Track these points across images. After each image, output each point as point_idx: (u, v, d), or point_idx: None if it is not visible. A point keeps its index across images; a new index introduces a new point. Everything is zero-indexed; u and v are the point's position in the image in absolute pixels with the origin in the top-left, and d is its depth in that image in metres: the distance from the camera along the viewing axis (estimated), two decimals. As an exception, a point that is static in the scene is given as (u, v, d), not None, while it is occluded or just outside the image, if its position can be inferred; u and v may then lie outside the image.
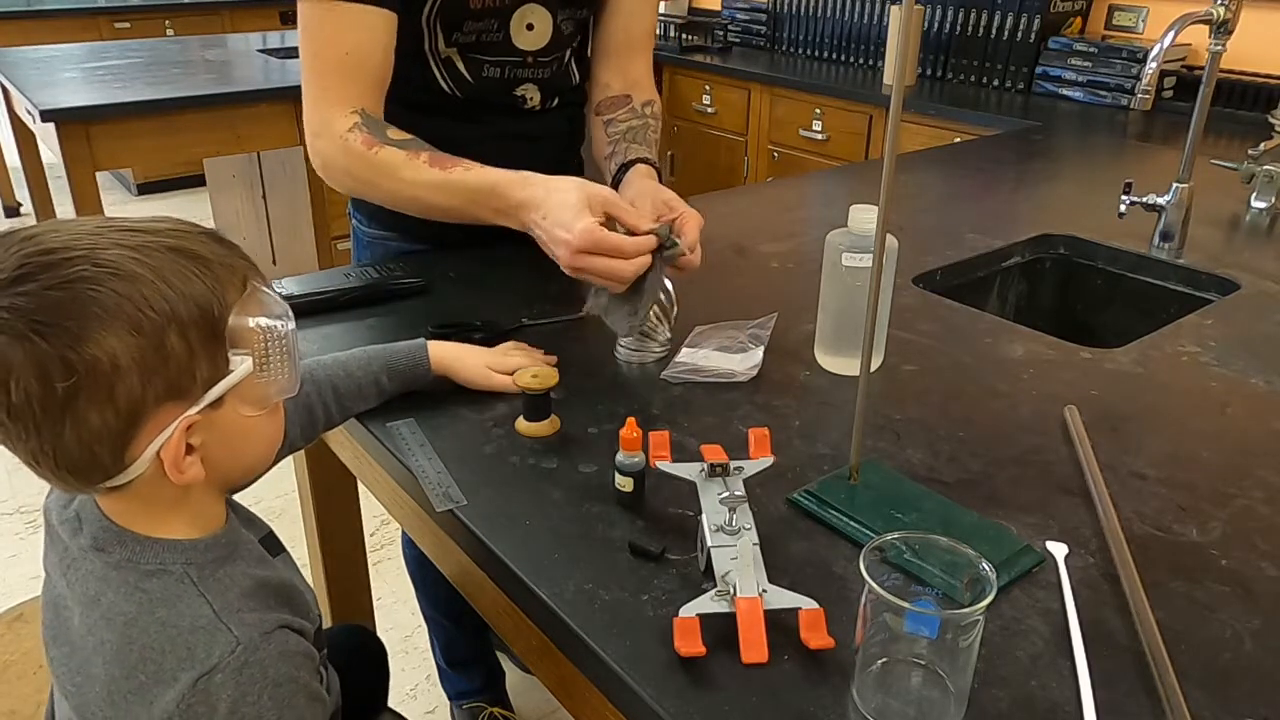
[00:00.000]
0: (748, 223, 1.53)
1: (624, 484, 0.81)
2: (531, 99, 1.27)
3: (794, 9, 3.33)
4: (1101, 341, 1.14)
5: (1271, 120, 1.77)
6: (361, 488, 1.19)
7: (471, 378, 0.97)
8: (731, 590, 0.67)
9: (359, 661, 1.15)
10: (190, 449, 0.66)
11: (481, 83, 1.23)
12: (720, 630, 0.66)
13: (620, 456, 0.80)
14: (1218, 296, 1.32)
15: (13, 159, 3.71)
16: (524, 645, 0.80)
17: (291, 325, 0.70)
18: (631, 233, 0.99)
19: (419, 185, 1.08)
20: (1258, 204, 1.62)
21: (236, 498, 0.83)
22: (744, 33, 3.55)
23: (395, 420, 0.93)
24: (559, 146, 1.38)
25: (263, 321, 0.68)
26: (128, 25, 4.46)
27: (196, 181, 4.38)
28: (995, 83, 2.83)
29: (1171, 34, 1.31)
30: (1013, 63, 2.78)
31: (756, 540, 0.71)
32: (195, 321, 0.64)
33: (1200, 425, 0.96)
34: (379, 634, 1.26)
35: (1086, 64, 2.62)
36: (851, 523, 0.78)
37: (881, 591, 0.58)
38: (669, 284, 1.05)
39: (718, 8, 3.70)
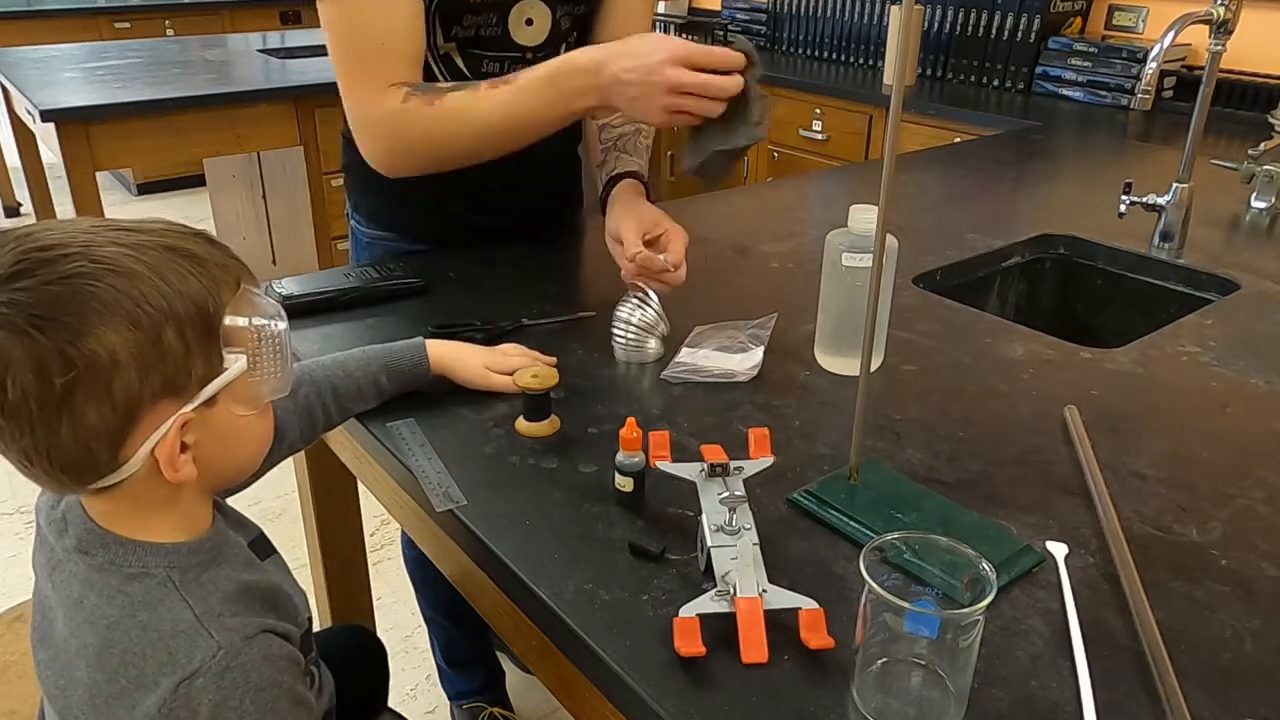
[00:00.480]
0: (748, 223, 1.53)
1: (624, 484, 0.81)
2: None
3: (794, 9, 3.33)
4: (1101, 341, 1.14)
5: (1271, 120, 1.77)
6: (361, 488, 1.19)
7: (470, 378, 0.97)
8: (731, 590, 0.67)
9: (358, 661, 1.15)
10: (184, 447, 0.66)
11: (480, 79, 1.23)
12: (720, 630, 0.66)
13: (620, 456, 0.80)
14: (1218, 296, 1.32)
15: (13, 159, 3.71)
16: (524, 645, 0.80)
17: (284, 325, 0.71)
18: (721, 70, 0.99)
19: (494, 110, 1.07)
20: (1258, 204, 1.62)
21: (234, 499, 0.83)
22: (744, 33, 3.54)
23: (395, 420, 0.93)
24: (559, 142, 1.38)
25: (256, 321, 0.69)
26: (128, 25, 4.46)
27: (196, 181, 4.38)
28: (995, 83, 2.83)
29: (1171, 34, 1.31)
30: (1013, 63, 2.78)
31: (756, 540, 0.71)
32: (192, 319, 0.64)
33: (1200, 425, 0.96)
34: (379, 634, 1.26)
35: (1086, 64, 2.62)
36: (851, 523, 0.78)
37: (881, 591, 0.58)
38: (655, 296, 1.06)
39: (718, 8, 3.70)
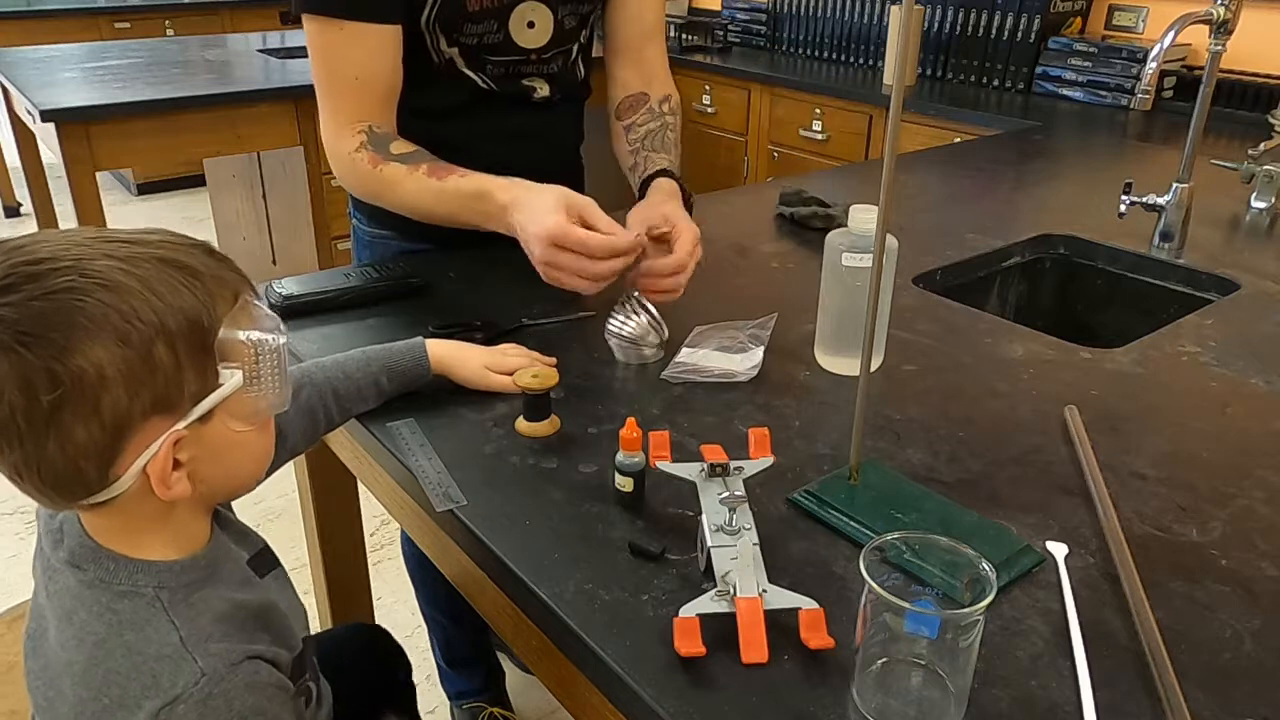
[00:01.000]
0: (748, 223, 1.53)
1: (624, 484, 0.81)
2: (541, 90, 1.27)
3: (794, 9, 3.33)
4: (1101, 341, 1.14)
5: (1271, 120, 1.77)
6: (361, 488, 1.19)
7: (469, 377, 0.97)
8: (731, 590, 0.67)
9: (371, 661, 1.15)
10: (178, 464, 0.65)
11: (486, 83, 1.23)
12: (720, 630, 0.66)
13: (620, 456, 0.80)
14: (1218, 296, 1.32)
15: (13, 159, 3.71)
16: (524, 645, 0.80)
17: (283, 340, 0.69)
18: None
19: (420, 195, 1.12)
20: (1258, 204, 1.62)
21: (237, 504, 0.82)
22: (744, 33, 3.54)
23: (395, 420, 0.93)
24: (563, 144, 1.38)
25: (253, 335, 0.67)
26: (128, 25, 4.46)
27: (196, 181, 4.38)
28: (995, 83, 2.83)
29: (1171, 34, 1.31)
30: (1013, 63, 2.78)
31: (756, 540, 0.71)
32: (184, 333, 0.63)
33: (1200, 425, 0.96)
34: (379, 634, 1.26)
35: (1086, 64, 2.62)
36: (851, 523, 0.78)
37: (881, 591, 0.58)
38: (646, 302, 1.04)
39: (718, 8, 3.70)
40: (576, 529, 0.79)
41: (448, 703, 1.74)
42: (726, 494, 0.75)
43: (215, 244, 0.71)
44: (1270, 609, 0.71)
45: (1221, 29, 1.31)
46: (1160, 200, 1.42)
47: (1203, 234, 1.47)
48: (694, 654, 0.64)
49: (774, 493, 0.83)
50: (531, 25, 1.22)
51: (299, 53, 3.17)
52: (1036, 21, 2.69)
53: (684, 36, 3.44)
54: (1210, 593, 0.73)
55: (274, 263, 3.26)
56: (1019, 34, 2.74)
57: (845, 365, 1.04)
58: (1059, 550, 0.76)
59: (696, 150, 3.35)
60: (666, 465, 0.79)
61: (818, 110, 2.90)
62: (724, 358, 1.04)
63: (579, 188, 1.47)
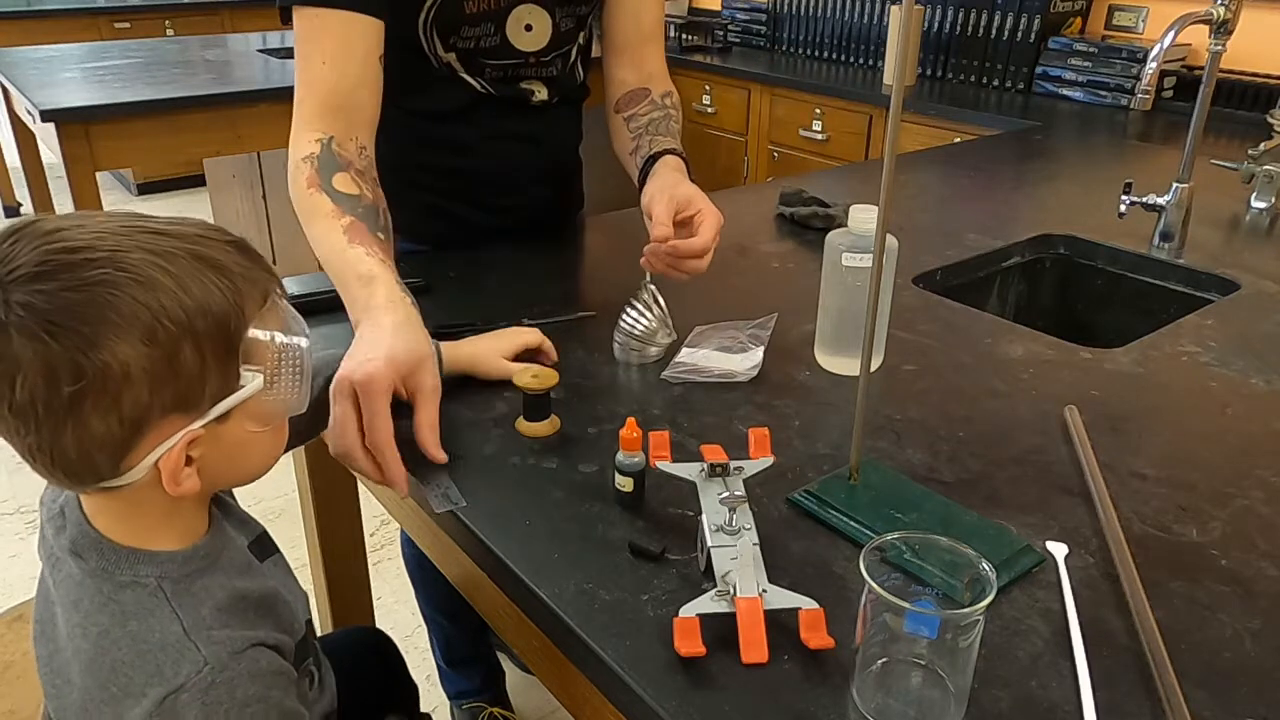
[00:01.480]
0: (748, 223, 1.53)
1: (624, 484, 0.81)
2: (539, 93, 1.27)
3: (794, 9, 3.33)
4: (1101, 341, 1.14)
5: (1271, 120, 1.77)
6: (361, 488, 1.19)
7: (489, 372, 0.98)
8: (731, 590, 0.67)
9: (369, 663, 1.15)
10: (189, 460, 0.65)
11: (486, 87, 1.23)
12: (720, 630, 0.66)
13: (620, 456, 0.80)
14: (1218, 296, 1.32)
15: (13, 159, 3.71)
16: (524, 645, 0.80)
17: (306, 343, 0.70)
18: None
19: (323, 241, 1.00)
20: (1258, 204, 1.62)
21: (236, 492, 0.82)
22: (744, 33, 3.54)
23: (395, 421, 0.93)
24: (562, 145, 1.38)
25: (278, 338, 0.67)
26: (128, 25, 4.46)
27: (196, 181, 4.38)
28: (995, 83, 2.83)
29: (1171, 34, 1.31)
30: (1013, 63, 2.78)
31: (756, 540, 0.71)
32: (211, 335, 0.63)
33: (1200, 425, 0.96)
34: (379, 634, 1.26)
35: (1086, 64, 2.62)
36: (851, 523, 0.78)
37: (881, 591, 0.58)
38: (660, 296, 1.04)
39: (718, 8, 3.70)
40: (576, 529, 0.79)
41: (448, 703, 1.74)
42: (726, 494, 0.75)
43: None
44: (1270, 609, 0.71)
45: (1221, 29, 1.31)
46: (1160, 200, 1.42)
47: (1203, 234, 1.47)
48: (694, 654, 0.64)
49: (774, 493, 0.83)
50: (529, 28, 1.21)
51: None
52: (1036, 21, 2.69)
53: (684, 36, 3.44)
54: (1210, 593, 0.73)
55: (274, 263, 3.25)
56: (1019, 34, 2.74)
57: (845, 365, 1.03)
58: (1059, 550, 0.76)
59: (696, 150, 3.35)
60: (666, 465, 0.79)
61: (818, 110, 2.90)
62: (724, 358, 1.04)
63: (575, 186, 1.48)
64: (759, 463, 0.80)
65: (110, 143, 2.41)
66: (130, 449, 0.63)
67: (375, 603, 1.49)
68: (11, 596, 2.01)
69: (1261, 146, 1.65)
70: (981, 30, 2.82)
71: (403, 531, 1.46)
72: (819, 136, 2.91)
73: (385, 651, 1.19)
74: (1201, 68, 1.39)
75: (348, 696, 0.92)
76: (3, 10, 4.21)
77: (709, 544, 0.71)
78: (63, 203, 3.13)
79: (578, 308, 1.16)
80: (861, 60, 3.17)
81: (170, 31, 4.53)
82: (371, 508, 1.32)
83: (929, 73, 2.98)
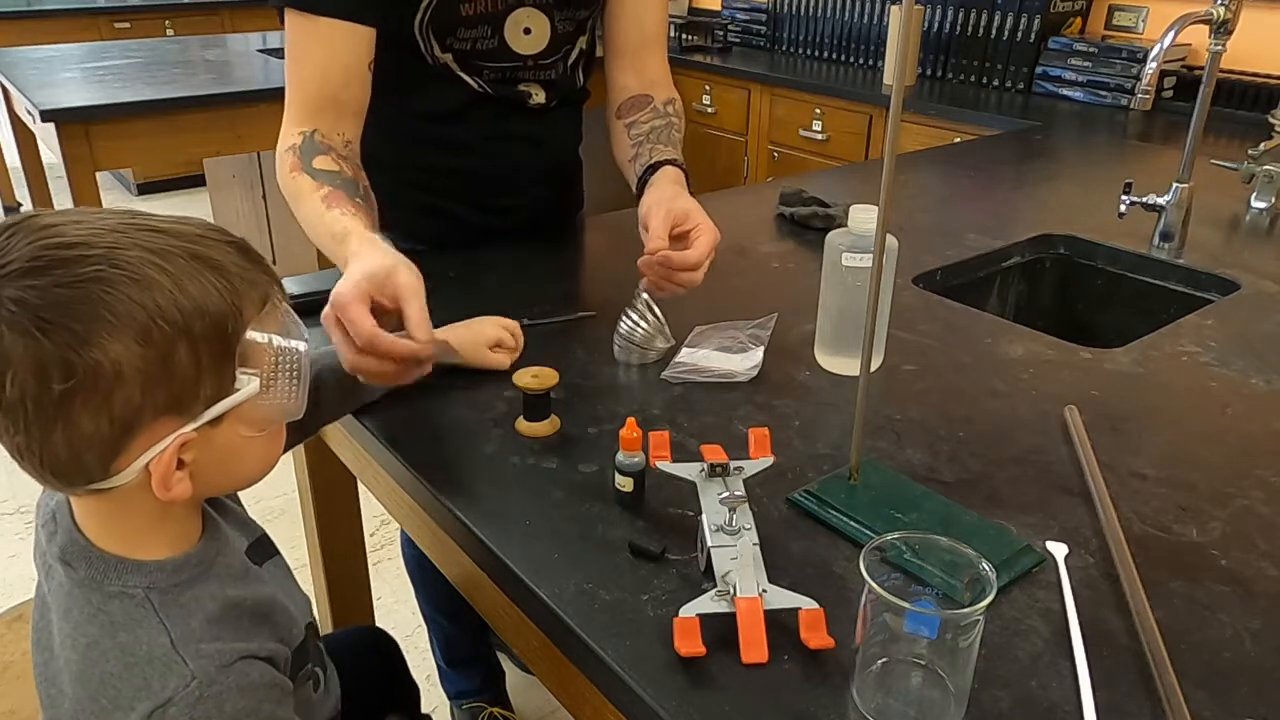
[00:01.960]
0: (748, 223, 1.53)
1: (624, 484, 0.81)
2: (536, 96, 1.27)
3: (794, 9, 3.33)
4: (1101, 341, 1.14)
5: (1271, 120, 1.77)
6: (361, 488, 1.19)
7: (471, 361, 0.98)
8: (731, 590, 0.67)
9: (372, 664, 1.15)
10: (181, 464, 0.64)
11: (484, 87, 1.23)
12: (720, 630, 0.66)
13: (620, 456, 0.80)
14: (1218, 296, 1.32)
15: (13, 159, 3.71)
16: (524, 645, 0.80)
17: (304, 346, 0.68)
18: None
19: (309, 215, 1.05)
20: (1258, 204, 1.62)
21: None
22: (744, 33, 3.54)
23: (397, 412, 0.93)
24: (561, 147, 1.38)
25: (276, 341, 0.66)
26: (128, 25, 4.46)
27: (196, 181, 4.38)
28: (995, 83, 2.83)
29: (1171, 34, 1.31)
30: (1013, 63, 2.78)
31: (756, 540, 0.71)
32: (207, 337, 0.62)
33: (1200, 425, 0.96)
34: (379, 634, 1.26)
35: (1086, 64, 2.62)
36: (851, 523, 0.78)
37: (881, 591, 0.58)
38: (654, 305, 1.03)
39: (718, 8, 3.70)
40: (576, 529, 0.79)
41: (448, 703, 1.74)
42: (726, 494, 0.75)
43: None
44: (1270, 609, 0.71)
45: (1221, 29, 1.31)
46: (1160, 200, 1.42)
47: (1203, 234, 1.47)
48: (694, 654, 0.64)
49: (774, 493, 0.83)
50: (528, 31, 1.21)
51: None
52: (1036, 21, 2.69)
53: (684, 36, 3.44)
54: (1210, 593, 0.73)
55: (274, 263, 3.26)
56: (1019, 34, 2.74)
57: (845, 365, 1.03)
58: (1059, 550, 0.76)
59: (696, 150, 3.35)
60: (666, 465, 0.79)
61: (818, 110, 2.90)
62: (724, 358, 1.04)
63: (575, 186, 1.47)
64: (759, 463, 0.80)
65: (110, 143, 2.41)
66: (121, 450, 0.62)
67: (375, 603, 1.49)
68: (11, 596, 2.01)
69: (1261, 146, 1.65)
70: (981, 30, 2.82)
71: (403, 531, 1.46)
72: (819, 136, 2.91)
73: (387, 651, 1.19)
74: (1201, 68, 1.39)
75: (349, 696, 0.91)
76: (3, 10, 4.22)
77: (709, 544, 0.71)
78: (63, 203, 3.13)
79: (577, 308, 1.16)
80: (861, 60, 3.17)
81: (170, 31, 4.53)
82: (371, 508, 1.32)
83: (929, 73, 2.98)
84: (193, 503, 0.71)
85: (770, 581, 0.68)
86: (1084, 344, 1.12)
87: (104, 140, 2.39)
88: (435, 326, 1.03)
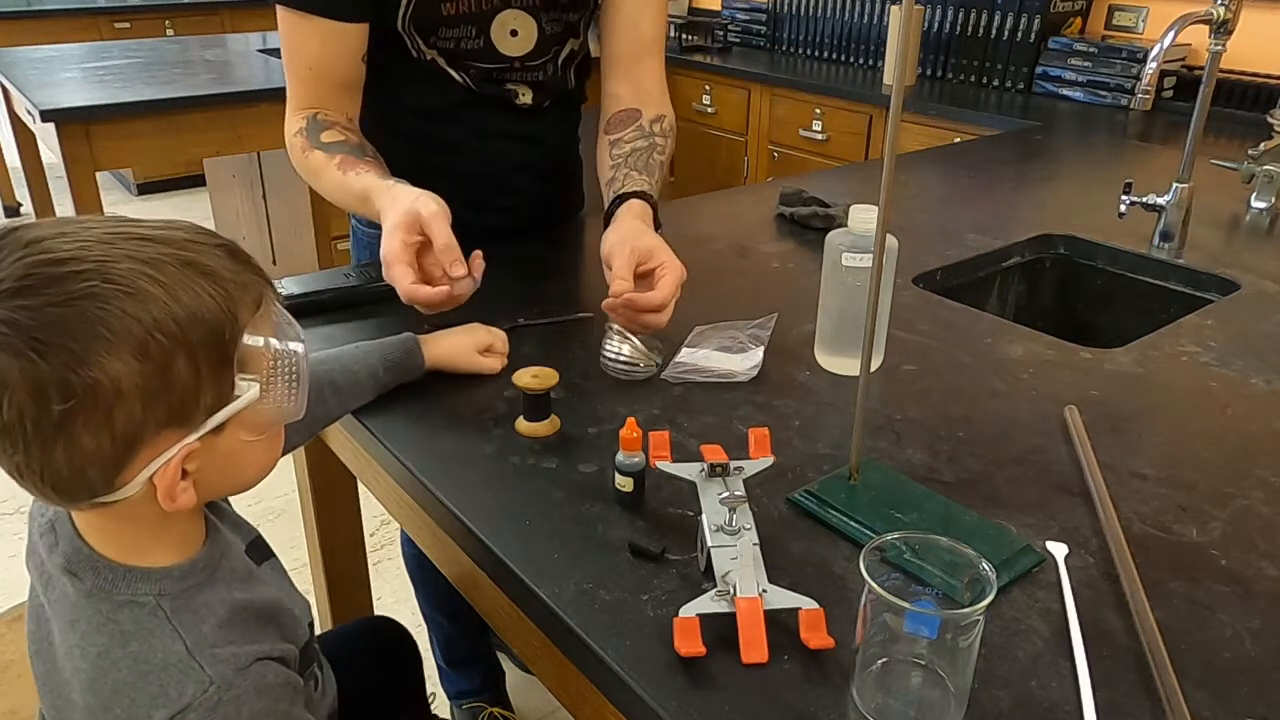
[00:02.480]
0: (748, 223, 1.53)
1: (624, 484, 0.81)
2: (523, 96, 1.26)
3: (794, 9, 3.33)
4: (1101, 341, 1.14)
5: (1271, 120, 1.77)
6: (361, 488, 1.19)
7: (464, 367, 0.99)
8: (731, 590, 0.67)
9: (384, 655, 1.15)
10: (184, 474, 0.64)
11: (477, 85, 1.23)
12: (720, 630, 0.66)
13: (620, 456, 0.80)
14: (1218, 296, 1.32)
15: (13, 159, 3.71)
16: (524, 645, 0.80)
17: (301, 347, 0.68)
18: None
19: (332, 187, 1.13)
20: (1258, 204, 1.62)
21: (233, 499, 0.81)
22: (744, 33, 3.54)
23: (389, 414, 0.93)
24: (556, 146, 1.37)
25: (273, 344, 0.66)
26: (128, 25, 4.46)
27: (196, 181, 4.38)
28: (995, 83, 2.83)
29: (1171, 34, 1.31)
30: (1013, 63, 2.78)
31: (756, 540, 0.71)
32: (205, 345, 0.61)
33: (1200, 425, 0.96)
34: (380, 633, 1.26)
35: (1086, 64, 2.62)
36: (851, 523, 0.78)
37: (881, 591, 0.58)
38: (629, 334, 1.01)
39: (718, 8, 3.70)
40: (576, 529, 0.79)
41: (448, 703, 1.74)
42: (726, 494, 0.75)
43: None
44: (1270, 609, 0.71)
45: (1221, 29, 1.31)
46: (1160, 200, 1.42)
47: (1203, 234, 1.47)
48: (694, 654, 0.64)
49: (774, 493, 0.83)
50: (515, 33, 1.20)
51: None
52: (1036, 21, 2.69)
53: (684, 36, 3.44)
54: (1210, 593, 0.73)
55: (274, 263, 3.26)
56: (1019, 34, 2.74)
57: (845, 365, 1.03)
58: (1059, 550, 0.76)
59: (696, 150, 3.35)
60: (666, 465, 0.79)
61: (818, 110, 2.90)
62: (724, 358, 1.04)
63: (575, 185, 1.47)
64: (759, 463, 0.80)
65: (110, 143, 2.41)
66: (124, 466, 0.61)
67: (375, 603, 1.49)
68: (11, 597, 2.01)
69: (1261, 146, 1.65)
70: (981, 30, 2.82)
71: (403, 531, 1.46)
72: (819, 136, 2.91)
73: (393, 640, 1.19)
74: (1201, 68, 1.39)
75: (355, 689, 0.91)
76: (3, 10, 4.21)
77: (709, 544, 0.71)
78: (63, 202, 3.13)
79: (577, 308, 1.16)
80: (861, 60, 3.17)
81: (170, 31, 4.53)
82: (371, 508, 1.32)
83: (929, 73, 2.98)
84: (195, 508, 0.70)
85: (770, 581, 0.68)
86: (1084, 344, 1.12)
87: (104, 140, 2.39)
88: (430, 330, 1.03)
